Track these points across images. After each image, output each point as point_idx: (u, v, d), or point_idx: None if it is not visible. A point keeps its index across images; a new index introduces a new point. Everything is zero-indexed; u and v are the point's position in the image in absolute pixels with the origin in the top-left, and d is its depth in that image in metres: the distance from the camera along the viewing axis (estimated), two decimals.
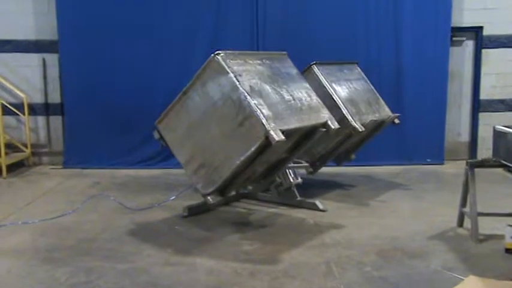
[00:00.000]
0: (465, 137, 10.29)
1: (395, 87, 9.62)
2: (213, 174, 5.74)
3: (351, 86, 7.82)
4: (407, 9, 9.54)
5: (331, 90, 7.32)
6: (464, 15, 9.75)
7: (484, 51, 9.89)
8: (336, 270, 5.00)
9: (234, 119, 5.57)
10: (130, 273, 4.99)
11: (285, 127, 5.57)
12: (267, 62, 6.33)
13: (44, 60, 9.92)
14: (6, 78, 9.84)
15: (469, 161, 6.01)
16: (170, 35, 9.43)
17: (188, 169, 5.97)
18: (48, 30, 9.72)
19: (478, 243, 5.64)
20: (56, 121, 10.14)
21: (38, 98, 10.02)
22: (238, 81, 5.59)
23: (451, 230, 6.13)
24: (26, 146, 9.89)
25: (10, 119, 9.93)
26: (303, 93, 6.37)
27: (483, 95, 10.00)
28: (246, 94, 5.52)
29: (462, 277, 4.71)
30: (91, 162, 9.69)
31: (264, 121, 5.40)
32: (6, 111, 9.65)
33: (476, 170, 5.86)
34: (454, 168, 9.16)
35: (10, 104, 9.77)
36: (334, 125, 6.28)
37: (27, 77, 9.93)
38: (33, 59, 9.90)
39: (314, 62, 7.48)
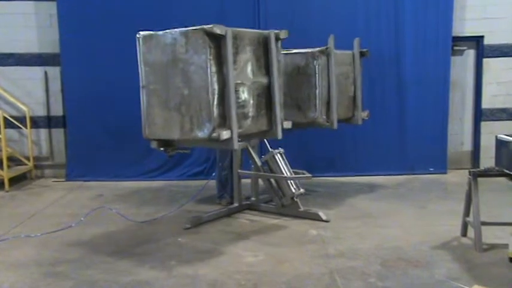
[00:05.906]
0: (468, 146, 10.28)
1: (397, 97, 9.65)
2: (202, 112, 5.79)
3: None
4: (408, 19, 9.56)
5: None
6: (465, 24, 9.78)
7: (485, 60, 9.91)
8: (340, 281, 4.98)
9: (180, 53, 5.84)
10: (133, 286, 4.97)
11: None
12: None
13: (46, 73, 9.96)
14: (8, 91, 9.88)
15: (472, 170, 5.98)
16: None
17: (187, 135, 5.97)
18: (50, 44, 9.78)
19: (482, 252, 5.61)
20: (58, 134, 10.17)
21: (41, 111, 10.06)
22: (165, 30, 5.98)
23: (454, 239, 6.11)
24: (28, 159, 9.91)
25: (12, 132, 9.97)
26: None
27: (485, 104, 10.00)
28: (173, 29, 5.89)
29: (467, 287, 4.70)
30: (94, 175, 9.71)
31: (198, 26, 5.69)
32: (9, 125, 9.68)
33: (479, 179, 5.85)
34: (457, 178, 9.16)
35: (12, 117, 9.81)
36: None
37: (29, 90, 9.98)
38: (35, 72, 9.95)
39: None
